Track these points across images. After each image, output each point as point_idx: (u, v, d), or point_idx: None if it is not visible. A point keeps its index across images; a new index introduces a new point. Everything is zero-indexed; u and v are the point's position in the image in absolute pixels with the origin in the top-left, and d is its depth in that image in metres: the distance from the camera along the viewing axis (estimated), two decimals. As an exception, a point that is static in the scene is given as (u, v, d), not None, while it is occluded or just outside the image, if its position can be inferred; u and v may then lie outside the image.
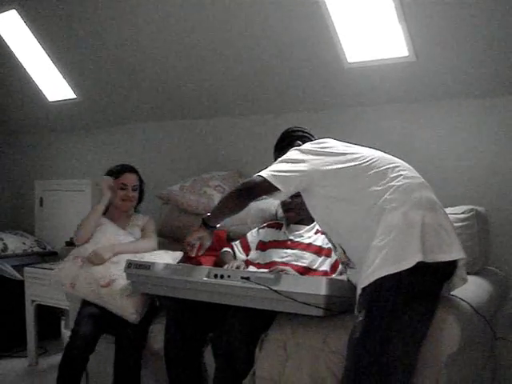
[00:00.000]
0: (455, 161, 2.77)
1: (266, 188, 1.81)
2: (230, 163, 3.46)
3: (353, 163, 1.76)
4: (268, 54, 2.96)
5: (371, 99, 2.93)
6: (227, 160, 3.49)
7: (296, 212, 2.39)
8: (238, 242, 2.59)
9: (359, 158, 1.77)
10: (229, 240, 2.75)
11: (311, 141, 2.06)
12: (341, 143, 1.90)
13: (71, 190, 4.22)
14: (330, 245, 2.00)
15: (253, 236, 2.55)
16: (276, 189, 1.80)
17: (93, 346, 2.40)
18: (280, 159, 1.88)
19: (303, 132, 2.36)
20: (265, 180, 1.80)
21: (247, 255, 2.49)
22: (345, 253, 1.80)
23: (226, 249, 2.56)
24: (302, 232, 2.40)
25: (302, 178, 1.79)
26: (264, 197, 2.21)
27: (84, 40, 3.51)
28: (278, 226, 2.51)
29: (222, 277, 1.97)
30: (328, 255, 2.28)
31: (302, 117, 3.12)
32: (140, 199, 2.91)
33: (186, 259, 2.47)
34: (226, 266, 2.25)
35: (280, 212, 2.67)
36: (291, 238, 2.37)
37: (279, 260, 2.29)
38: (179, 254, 2.56)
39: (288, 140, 2.31)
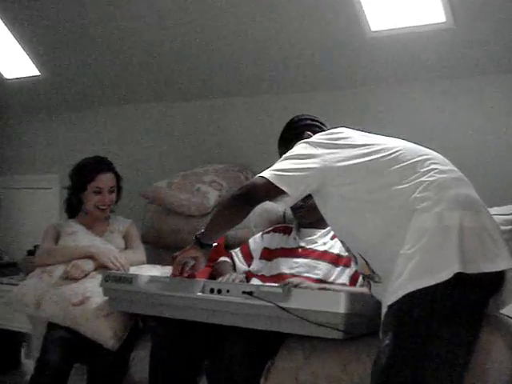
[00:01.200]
0: (502, 150, 2.77)
1: (270, 192, 1.84)
2: (228, 154, 3.47)
3: (374, 156, 1.77)
4: (267, 22, 3.02)
5: (398, 74, 2.96)
6: (225, 150, 3.50)
7: (308, 213, 2.40)
8: (238, 249, 2.61)
9: (381, 150, 1.79)
10: (227, 247, 2.77)
11: (323, 131, 2.08)
12: (359, 133, 1.92)
13: (35, 188, 4.21)
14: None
15: (256, 242, 2.57)
16: (282, 192, 1.82)
17: (64, 379, 2.39)
18: (285, 155, 1.89)
19: (313, 120, 2.38)
20: (268, 182, 1.81)
21: (249, 265, 2.51)
22: (367, 264, 1.81)
23: (223, 258, 2.58)
24: (315, 237, 2.41)
25: (313, 178, 1.81)
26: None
27: (52, 9, 3.56)
28: (286, 231, 2.53)
29: (219, 291, 1.98)
30: (347, 265, 2.29)
31: (312, 97, 3.13)
32: (117, 198, 2.94)
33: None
34: (220, 279, 2.27)
35: (289, 213, 2.71)
36: (302, 244, 2.38)
37: (288, 272, 2.30)
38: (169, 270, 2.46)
39: (295, 131, 2.33)
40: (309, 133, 2.21)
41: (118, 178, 2.90)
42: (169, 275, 2.17)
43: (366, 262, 1.80)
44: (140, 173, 3.62)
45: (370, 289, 1.89)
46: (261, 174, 1.84)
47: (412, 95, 2.97)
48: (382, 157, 1.76)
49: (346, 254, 2.16)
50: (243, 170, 3.39)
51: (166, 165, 3.75)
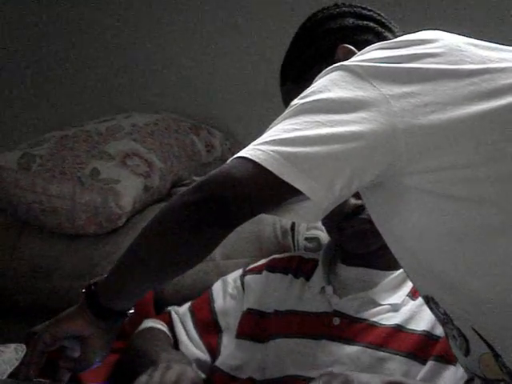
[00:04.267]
0: None
1: (268, 194, 1.24)
2: (170, 93, 2.70)
3: (510, 98, 1.20)
4: None
5: None
6: (163, 85, 2.73)
7: (364, 233, 1.70)
8: (185, 307, 1.90)
9: None
10: (160, 302, 2.08)
11: (390, 39, 1.53)
12: (468, 40, 1.32)
13: None
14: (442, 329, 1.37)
15: (229, 296, 1.88)
16: (295, 193, 1.21)
17: None
18: (299, 104, 1.26)
19: (361, 16, 1.70)
20: (262, 171, 1.19)
21: (211, 351, 1.80)
22: (497, 356, 1.21)
23: (151, 322, 1.88)
24: (376, 291, 1.70)
25: (367, 156, 1.22)
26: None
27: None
28: (300, 270, 1.85)
29: None
30: (441, 357, 1.59)
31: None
32: None
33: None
34: (140, 379, 1.50)
35: (307, 229, 2.09)
36: (344, 308, 1.69)
37: (308, 375, 1.61)
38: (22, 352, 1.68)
39: (319, 42, 1.66)
40: (349, 46, 1.52)
41: None
42: (19, 361, 1.52)
43: (495, 351, 1.22)
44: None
45: None
46: (243, 154, 1.22)
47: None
48: None
49: (441, 331, 1.50)
50: (202, 128, 2.48)
51: (19, 115, 2.92)
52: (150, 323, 1.82)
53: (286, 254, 1.89)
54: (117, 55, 2.88)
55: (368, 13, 1.66)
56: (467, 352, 1.27)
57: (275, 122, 1.26)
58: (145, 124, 2.34)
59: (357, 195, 1.50)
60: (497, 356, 1.21)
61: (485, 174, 1.18)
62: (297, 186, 1.16)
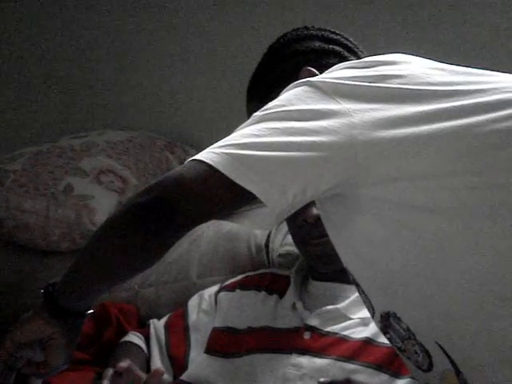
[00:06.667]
0: None
1: (217, 197, 1.22)
2: (146, 112, 2.71)
3: (476, 118, 1.21)
4: None
5: None
6: (140, 104, 2.75)
7: (328, 256, 1.70)
8: (162, 321, 1.96)
9: (491, 102, 1.23)
10: (139, 320, 2.10)
11: (357, 59, 1.56)
12: (435, 65, 1.36)
13: None
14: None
15: (202, 311, 1.92)
16: (248, 198, 1.19)
17: None
18: (260, 113, 1.25)
19: (327, 39, 1.71)
20: (212, 173, 1.17)
21: (180, 366, 1.85)
22: (458, 373, 1.23)
23: (131, 335, 1.94)
24: (344, 305, 1.75)
25: (326, 167, 1.22)
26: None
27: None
28: (274, 288, 1.88)
29: None
30: (400, 372, 1.66)
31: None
32: None
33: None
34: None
35: (281, 246, 2.08)
36: (314, 322, 1.71)
37: None
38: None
39: (284, 64, 1.68)
40: (312, 69, 1.52)
41: None
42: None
43: (456, 367, 1.24)
44: None
45: None
46: (198, 156, 1.21)
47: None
48: (492, 114, 1.22)
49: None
50: (176, 146, 2.52)
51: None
52: (130, 336, 1.88)
53: (259, 271, 1.92)
54: (92, 73, 2.89)
55: (336, 37, 1.67)
56: (430, 367, 1.28)
57: (236, 129, 1.25)
58: (119, 141, 2.36)
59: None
60: (458, 372, 1.22)
61: (441, 185, 1.19)
62: (248, 187, 1.15)
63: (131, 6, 2.79)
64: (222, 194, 1.20)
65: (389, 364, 1.59)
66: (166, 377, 1.76)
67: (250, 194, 1.15)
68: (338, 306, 1.67)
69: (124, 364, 1.66)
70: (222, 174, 1.14)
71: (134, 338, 1.88)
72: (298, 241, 1.80)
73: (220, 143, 1.21)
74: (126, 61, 2.84)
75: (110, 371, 1.68)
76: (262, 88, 1.63)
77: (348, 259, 1.34)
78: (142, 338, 1.89)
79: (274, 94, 1.33)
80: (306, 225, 1.71)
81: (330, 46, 1.62)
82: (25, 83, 2.99)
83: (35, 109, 2.89)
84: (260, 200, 1.16)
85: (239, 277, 1.90)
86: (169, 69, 2.76)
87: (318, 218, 1.59)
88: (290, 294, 1.74)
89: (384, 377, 1.59)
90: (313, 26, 1.68)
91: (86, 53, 2.92)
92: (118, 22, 2.88)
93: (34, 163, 2.23)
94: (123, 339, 1.88)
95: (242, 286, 1.86)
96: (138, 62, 2.80)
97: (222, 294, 1.86)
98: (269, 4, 2.67)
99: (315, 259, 1.75)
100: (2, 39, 3.01)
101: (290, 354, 1.65)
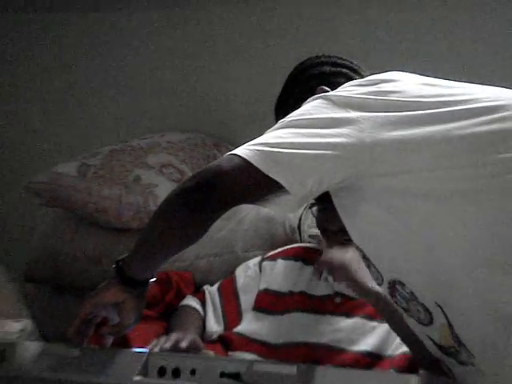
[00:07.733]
0: None
1: (252, 185, 1.41)
2: (199, 116, 2.95)
3: (462, 122, 1.37)
4: None
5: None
6: (194, 108, 2.99)
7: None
8: (215, 287, 2.15)
9: (476, 109, 1.40)
10: (195, 285, 2.29)
11: (360, 77, 1.78)
12: (426, 80, 1.56)
13: None
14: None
15: (248, 277, 2.11)
16: (274, 188, 1.38)
17: None
18: (285, 120, 1.48)
19: (337, 65, 1.93)
20: (247, 166, 1.38)
21: (231, 322, 2.05)
22: (450, 327, 1.39)
23: (189, 299, 2.12)
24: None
25: (338, 163, 1.40)
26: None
27: None
28: (309, 258, 2.02)
29: (176, 373, 1.52)
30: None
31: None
32: None
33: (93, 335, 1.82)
34: (153, 344, 1.82)
35: (310, 226, 2.25)
36: (343, 290, 1.91)
37: (315, 340, 1.88)
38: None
39: (300, 85, 1.91)
40: (325, 88, 1.77)
41: None
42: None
43: (449, 321, 1.39)
44: (18, 146, 3.06)
45: (450, 369, 1.54)
46: (235, 151, 1.42)
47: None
48: (477, 120, 1.40)
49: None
50: (223, 145, 2.81)
51: (75, 136, 3.11)
52: (188, 300, 2.10)
53: (296, 245, 2.15)
54: (158, 83, 3.14)
55: (342, 61, 1.88)
56: (430, 322, 1.44)
57: (265, 132, 1.44)
58: (177, 141, 2.66)
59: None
60: (450, 326, 1.38)
61: (440, 176, 1.36)
62: (275, 178, 1.35)
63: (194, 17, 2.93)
64: (253, 183, 1.39)
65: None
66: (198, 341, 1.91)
67: (277, 183, 1.34)
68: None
69: (184, 344, 1.84)
70: (254, 166, 1.35)
71: (192, 301, 2.08)
72: (319, 224, 1.95)
73: (252, 142, 1.41)
74: (187, 72, 3.08)
75: (174, 336, 1.85)
76: (286, 106, 1.83)
77: (358, 238, 1.50)
78: (199, 302, 2.07)
79: (296, 109, 1.54)
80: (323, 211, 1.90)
81: (338, 69, 1.84)
82: (105, 93, 3.21)
83: (112, 115, 3.17)
84: (284, 189, 1.36)
85: (279, 249, 2.11)
86: (218, 82, 3.04)
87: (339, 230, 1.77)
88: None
89: None
90: (323, 54, 1.91)
91: (157, 62, 3.14)
92: (173, 35, 3.07)
93: (110, 159, 2.52)
94: (183, 303, 2.09)
95: (283, 256, 2.06)
96: (196, 76, 3.08)
97: (265, 263, 2.07)
98: (295, 36, 2.86)
99: (332, 239, 1.88)
100: (82, 45, 3.10)
101: (324, 314, 1.88)
